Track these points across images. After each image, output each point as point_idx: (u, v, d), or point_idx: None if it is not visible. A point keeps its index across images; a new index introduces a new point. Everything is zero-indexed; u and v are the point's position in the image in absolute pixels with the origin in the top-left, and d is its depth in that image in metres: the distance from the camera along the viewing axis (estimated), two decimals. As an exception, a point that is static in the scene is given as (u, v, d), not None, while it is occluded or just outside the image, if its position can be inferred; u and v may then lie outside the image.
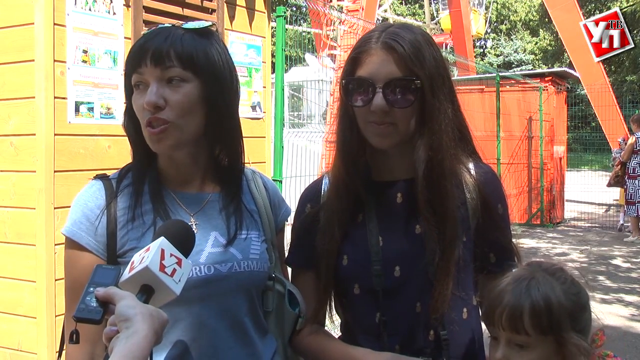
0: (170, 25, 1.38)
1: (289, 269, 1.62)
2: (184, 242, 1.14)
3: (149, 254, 1.06)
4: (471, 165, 1.50)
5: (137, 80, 1.32)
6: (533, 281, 1.32)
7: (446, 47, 20.80)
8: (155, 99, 1.28)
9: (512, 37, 41.53)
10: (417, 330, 1.42)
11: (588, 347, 1.29)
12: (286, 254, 1.60)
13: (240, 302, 1.39)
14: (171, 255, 1.08)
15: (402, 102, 1.36)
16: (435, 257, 1.39)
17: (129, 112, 1.37)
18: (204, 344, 1.33)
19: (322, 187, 1.55)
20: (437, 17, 26.86)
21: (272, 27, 4.44)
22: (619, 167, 10.62)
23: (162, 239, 1.09)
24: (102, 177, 1.40)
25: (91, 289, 1.04)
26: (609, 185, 11.24)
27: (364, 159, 1.48)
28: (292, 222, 1.61)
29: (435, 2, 27.21)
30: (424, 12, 27.68)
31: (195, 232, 1.33)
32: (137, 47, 1.33)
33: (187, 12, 3.52)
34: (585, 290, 1.37)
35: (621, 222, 11.70)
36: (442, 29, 24.92)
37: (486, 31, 33.05)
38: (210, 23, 1.41)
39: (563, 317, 1.28)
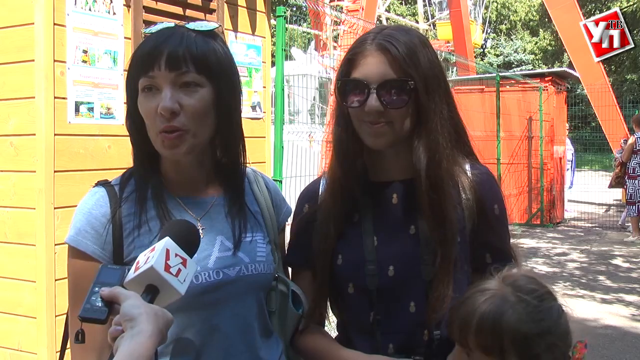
0: (174, 25, 1.35)
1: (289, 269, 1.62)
2: (189, 242, 1.14)
3: (154, 254, 1.06)
4: (467, 166, 1.51)
5: (148, 83, 1.29)
6: (492, 299, 1.28)
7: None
8: (170, 105, 1.25)
9: (512, 37, 41.53)
10: (411, 330, 1.43)
11: None
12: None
13: (249, 305, 1.38)
14: (176, 255, 1.09)
15: (396, 103, 1.37)
16: (436, 258, 1.39)
17: (132, 114, 1.35)
18: (215, 349, 1.32)
19: (320, 187, 1.56)
20: (431, 19, 26.88)
21: (272, 27, 4.44)
22: (619, 168, 10.62)
23: (167, 239, 1.10)
24: (105, 184, 1.38)
25: (96, 288, 1.04)
26: (611, 186, 11.24)
27: (360, 160, 1.49)
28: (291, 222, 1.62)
29: (430, 4, 27.25)
30: (425, 11, 27.68)
31: (201, 236, 1.32)
32: (148, 49, 1.29)
33: (188, 12, 3.52)
34: (558, 312, 1.32)
35: (622, 220, 11.69)
36: (436, 32, 24.98)
37: (486, 31, 33.05)
38: (217, 25, 1.39)
39: (507, 342, 1.25)
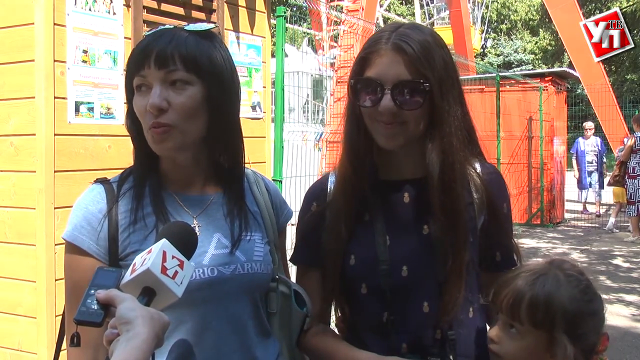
0: (172, 26, 1.37)
1: (293, 269, 1.61)
2: (186, 244, 1.13)
3: (151, 256, 1.05)
4: (477, 166, 1.51)
5: (140, 82, 1.32)
6: (544, 277, 1.36)
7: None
8: (158, 102, 1.27)
9: (512, 37, 41.49)
10: (425, 329, 1.43)
11: (571, 353, 1.32)
12: (290, 254, 1.60)
13: (243, 304, 1.38)
14: (173, 257, 1.07)
15: (410, 104, 1.36)
16: (448, 260, 1.39)
17: (131, 114, 1.37)
18: (207, 347, 1.32)
19: (328, 185, 1.54)
20: (428, 19, 26.88)
21: (272, 27, 4.43)
22: (619, 167, 10.60)
23: (164, 240, 1.08)
24: (103, 181, 1.39)
25: (92, 291, 1.03)
26: (609, 184, 11.27)
27: (370, 158, 1.47)
28: (294, 222, 1.60)
29: (428, 4, 27.25)
30: (423, 12, 27.69)
31: (197, 234, 1.32)
32: (140, 49, 1.32)
33: (188, 12, 3.52)
34: (601, 299, 1.40)
35: (609, 226, 11.54)
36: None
37: (485, 31, 33.04)
38: (213, 25, 1.41)
39: (559, 317, 1.31)
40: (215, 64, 1.35)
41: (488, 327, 1.49)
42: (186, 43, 1.31)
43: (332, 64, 10.95)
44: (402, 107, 1.35)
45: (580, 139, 13.22)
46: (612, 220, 11.55)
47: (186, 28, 1.36)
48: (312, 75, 10.22)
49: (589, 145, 13.04)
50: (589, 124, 13.15)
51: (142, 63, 1.30)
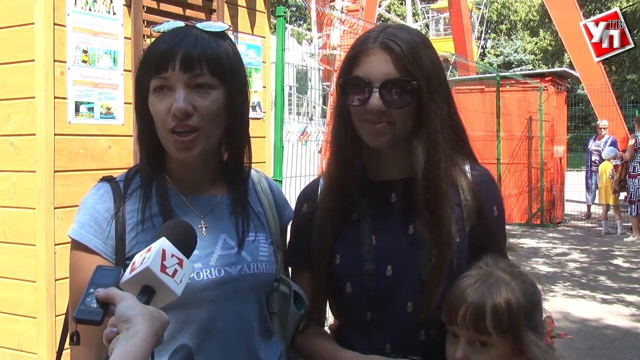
0: (184, 25, 1.35)
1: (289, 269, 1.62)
2: (186, 242, 1.13)
3: (150, 255, 1.05)
4: (467, 168, 1.50)
5: (160, 84, 1.30)
6: (494, 281, 1.34)
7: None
8: (185, 106, 1.26)
9: (512, 37, 41.51)
10: (408, 330, 1.42)
11: (540, 343, 1.35)
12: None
13: (250, 304, 1.38)
14: (172, 255, 1.07)
15: (398, 102, 1.36)
16: (431, 259, 1.39)
17: (141, 113, 1.35)
18: (212, 347, 1.32)
19: (319, 187, 1.55)
20: (421, 19, 26.93)
21: (272, 27, 4.43)
22: (620, 171, 10.55)
23: (163, 239, 1.08)
24: (109, 180, 1.39)
25: (91, 289, 1.03)
26: (615, 192, 11.06)
27: (358, 159, 1.48)
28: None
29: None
30: (415, 11, 27.74)
31: (204, 234, 1.33)
32: (162, 50, 1.29)
33: (188, 12, 3.52)
34: (539, 289, 1.41)
35: (604, 230, 11.48)
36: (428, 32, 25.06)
37: (484, 33, 33.06)
38: (227, 26, 1.40)
39: (521, 316, 1.32)
40: (234, 66, 1.35)
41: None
42: (210, 46, 1.30)
43: (318, 53, 10.92)
44: (390, 105, 1.36)
45: (592, 138, 12.80)
46: (604, 224, 11.46)
47: (203, 28, 1.34)
48: (295, 66, 10.07)
49: (596, 144, 12.53)
50: (603, 123, 12.45)
51: (164, 64, 1.28)
